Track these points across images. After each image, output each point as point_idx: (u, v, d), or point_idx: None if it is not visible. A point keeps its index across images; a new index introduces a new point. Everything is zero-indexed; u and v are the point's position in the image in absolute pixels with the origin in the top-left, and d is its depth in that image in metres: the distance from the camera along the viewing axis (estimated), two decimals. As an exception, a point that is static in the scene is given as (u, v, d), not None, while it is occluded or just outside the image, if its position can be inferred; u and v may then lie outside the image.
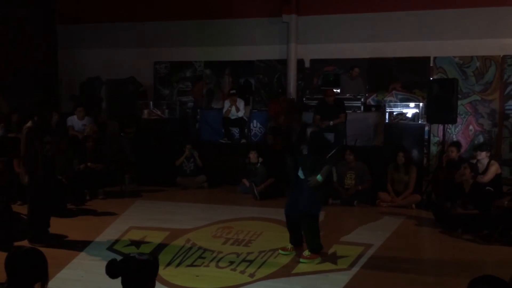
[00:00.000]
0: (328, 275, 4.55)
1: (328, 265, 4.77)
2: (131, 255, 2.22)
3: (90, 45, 11.38)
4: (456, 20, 9.58)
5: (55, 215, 5.97)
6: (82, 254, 5.06)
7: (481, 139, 9.58)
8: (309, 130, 4.80)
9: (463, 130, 9.74)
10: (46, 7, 11.23)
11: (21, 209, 6.60)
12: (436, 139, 9.38)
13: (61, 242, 5.50)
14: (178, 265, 4.80)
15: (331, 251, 5.13)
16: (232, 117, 9.44)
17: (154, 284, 2.24)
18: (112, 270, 2.17)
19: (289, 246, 5.09)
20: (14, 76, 10.07)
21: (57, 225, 6.03)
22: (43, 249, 2.54)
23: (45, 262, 2.40)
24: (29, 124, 5.38)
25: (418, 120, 8.81)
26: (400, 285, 4.38)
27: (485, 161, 6.36)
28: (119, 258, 2.25)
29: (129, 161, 9.13)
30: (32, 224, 5.41)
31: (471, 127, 9.74)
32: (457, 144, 7.50)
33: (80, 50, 11.40)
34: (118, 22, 11.18)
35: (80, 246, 5.30)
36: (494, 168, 6.22)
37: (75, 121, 8.90)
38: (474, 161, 6.46)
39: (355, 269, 4.66)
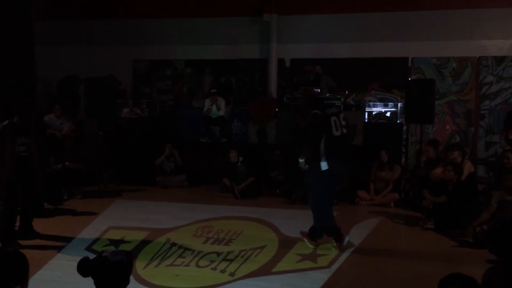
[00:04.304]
0: (308, 273, 4.58)
1: (308, 263, 4.81)
2: (104, 255, 2.16)
3: (68, 42, 11.19)
4: (434, 21, 9.77)
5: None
6: (60, 255, 4.99)
7: (457, 138, 9.78)
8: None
9: (440, 130, 9.91)
10: (23, 3, 10.98)
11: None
12: (414, 138, 9.53)
13: (39, 242, 5.41)
14: (157, 264, 4.77)
15: (310, 249, 5.17)
16: (213, 116, 9.42)
17: (128, 281, 2.20)
18: (84, 269, 2.13)
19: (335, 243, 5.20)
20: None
21: (34, 225, 5.93)
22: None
23: (26, 265, 2.35)
24: (5, 123, 5.40)
25: (397, 120, 8.92)
26: (378, 282, 4.44)
27: (458, 160, 6.49)
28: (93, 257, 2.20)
29: (108, 160, 9.01)
30: (4, 222, 5.39)
31: (447, 126, 9.93)
32: (434, 143, 7.62)
33: (57, 47, 11.19)
34: (97, 19, 11.03)
35: (58, 246, 5.22)
36: (467, 167, 6.35)
37: (52, 119, 8.74)
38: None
39: (334, 267, 4.71)
